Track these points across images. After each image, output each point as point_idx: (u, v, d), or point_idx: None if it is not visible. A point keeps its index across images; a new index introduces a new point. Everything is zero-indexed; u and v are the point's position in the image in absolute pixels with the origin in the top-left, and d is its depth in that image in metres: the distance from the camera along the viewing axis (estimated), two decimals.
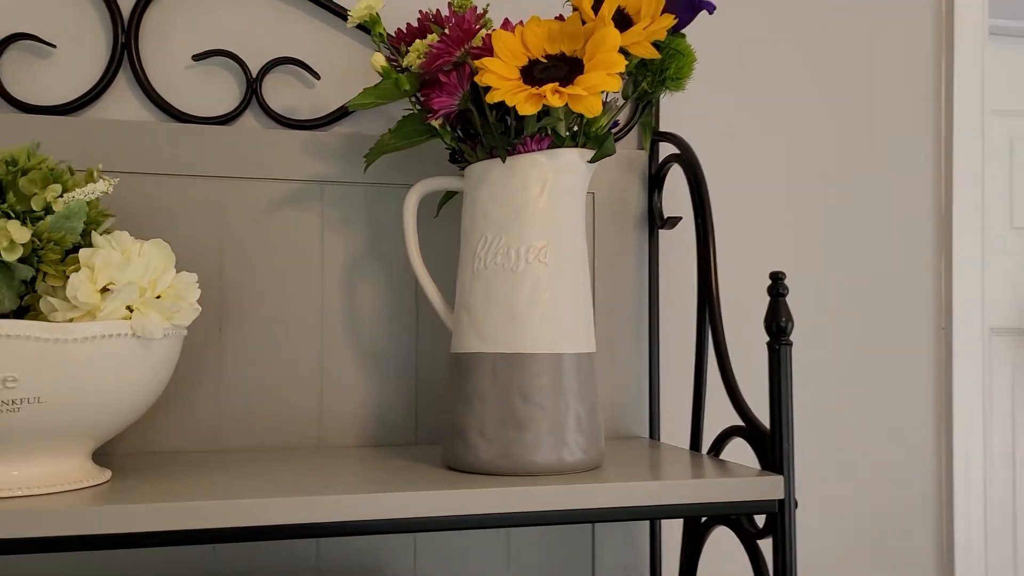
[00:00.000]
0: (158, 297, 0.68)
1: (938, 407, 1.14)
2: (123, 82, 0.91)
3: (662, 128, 1.01)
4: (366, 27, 0.85)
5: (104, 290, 0.65)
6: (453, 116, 0.80)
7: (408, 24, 0.85)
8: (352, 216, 0.94)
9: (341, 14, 0.95)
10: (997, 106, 1.23)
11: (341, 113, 0.95)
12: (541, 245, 0.76)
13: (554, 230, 0.77)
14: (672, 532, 1.01)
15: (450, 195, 0.88)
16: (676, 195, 1.03)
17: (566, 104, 0.72)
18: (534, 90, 0.71)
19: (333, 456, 0.86)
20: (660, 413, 1.02)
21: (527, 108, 0.71)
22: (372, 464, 0.81)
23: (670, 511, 0.72)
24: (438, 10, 0.85)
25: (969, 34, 1.14)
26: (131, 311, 0.66)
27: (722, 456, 0.86)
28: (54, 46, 0.89)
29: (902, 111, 1.15)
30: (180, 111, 0.91)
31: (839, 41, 1.13)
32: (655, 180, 1.02)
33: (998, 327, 1.25)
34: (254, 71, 0.93)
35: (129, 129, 0.88)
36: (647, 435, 1.01)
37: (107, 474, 0.72)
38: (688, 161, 0.92)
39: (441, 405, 0.95)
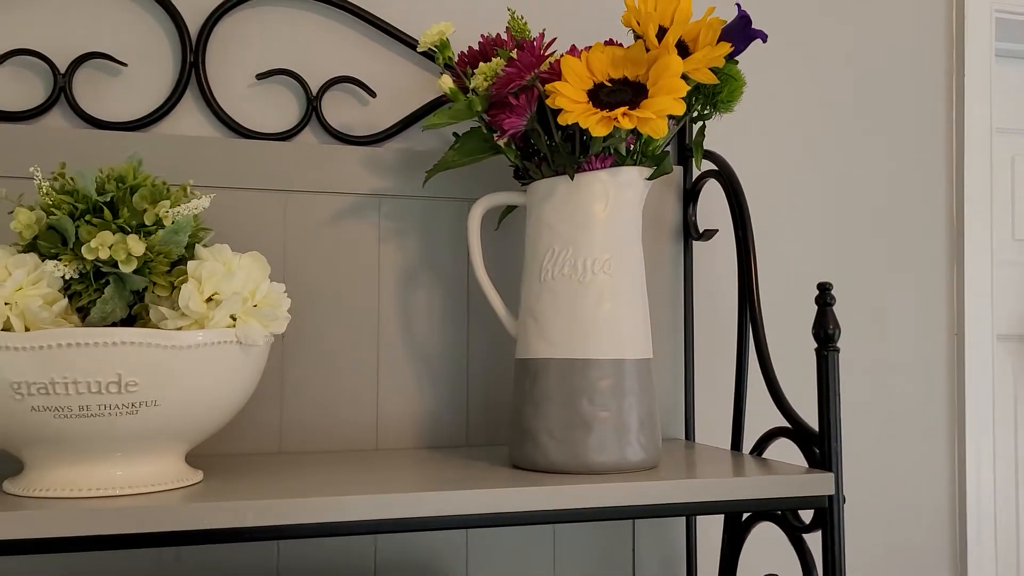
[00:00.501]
0: (255, 306, 0.72)
1: (951, 409, 1.21)
2: (190, 99, 0.95)
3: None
4: (429, 53, 0.90)
5: (208, 300, 0.69)
6: (518, 136, 0.84)
7: (470, 47, 0.90)
8: (407, 228, 0.98)
9: (395, 35, 0.99)
10: (1000, 124, 1.30)
11: (396, 129, 1.00)
12: (606, 257, 0.81)
13: (616, 243, 0.82)
14: (706, 526, 1.07)
15: (509, 209, 0.93)
16: (707, 208, 1.08)
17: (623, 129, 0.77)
18: (606, 113, 0.76)
19: (396, 457, 0.90)
20: (695, 415, 1.07)
21: (599, 130, 0.76)
22: (441, 464, 0.85)
23: (733, 506, 0.77)
24: (498, 34, 0.90)
25: (978, 57, 1.21)
26: (234, 320, 0.70)
27: (763, 456, 0.91)
28: (125, 64, 0.93)
29: (917, 130, 1.21)
30: (244, 127, 0.95)
31: (860, 65, 1.19)
32: (690, 194, 1.07)
33: (1002, 334, 1.31)
34: (314, 89, 0.98)
35: (196, 144, 0.92)
36: (683, 437, 1.06)
37: (199, 474, 0.76)
38: (727, 177, 0.98)
39: (491, 408, 1.00)
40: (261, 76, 0.96)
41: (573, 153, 0.82)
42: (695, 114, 0.86)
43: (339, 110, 0.99)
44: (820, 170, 1.17)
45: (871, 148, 1.20)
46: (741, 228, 0.95)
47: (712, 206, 1.09)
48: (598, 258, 0.81)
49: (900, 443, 1.18)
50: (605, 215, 0.82)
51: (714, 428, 1.08)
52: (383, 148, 0.99)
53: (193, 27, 0.94)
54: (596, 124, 0.76)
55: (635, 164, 0.83)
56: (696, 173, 1.06)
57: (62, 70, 0.90)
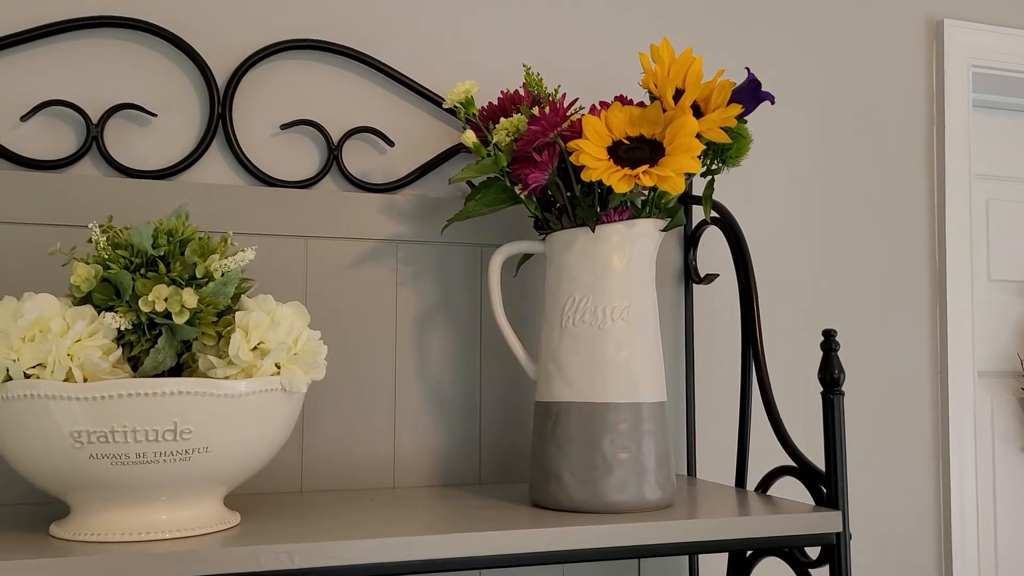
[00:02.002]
0: (296, 354, 0.75)
1: (935, 442, 1.26)
2: (216, 148, 0.98)
3: (695, 194, 1.12)
4: (451, 109, 0.94)
5: (254, 348, 0.72)
6: (538, 189, 0.89)
7: (490, 103, 0.94)
8: (423, 272, 1.02)
9: (413, 87, 1.03)
10: (977, 170, 1.36)
11: (413, 177, 1.03)
12: (624, 305, 0.85)
13: (633, 291, 0.86)
14: (709, 559, 1.11)
15: (526, 257, 0.97)
16: (706, 253, 1.13)
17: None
18: (627, 171, 0.81)
19: (417, 496, 0.93)
20: (696, 453, 1.12)
21: (622, 187, 0.80)
22: (463, 503, 0.88)
23: (747, 543, 0.81)
24: (515, 90, 0.94)
25: (957, 108, 1.28)
26: (278, 367, 0.73)
27: (768, 493, 0.96)
28: (155, 115, 0.96)
29: (901, 179, 1.28)
30: (267, 175, 0.99)
31: (845, 118, 1.25)
32: (690, 240, 1.12)
33: (982, 370, 1.38)
34: (335, 138, 1.01)
35: (222, 192, 0.95)
36: (686, 473, 1.10)
37: (237, 516, 0.78)
38: (728, 224, 1.03)
39: (504, 447, 1.03)
40: (285, 126, 1.00)
41: (593, 206, 0.86)
42: (704, 169, 0.91)
43: (358, 158, 1.03)
44: (807, 216, 1.23)
45: (857, 197, 1.26)
46: (744, 273, 1.00)
47: (710, 251, 1.14)
48: (616, 306, 0.85)
49: (887, 475, 1.24)
50: (622, 265, 0.86)
51: (715, 465, 1.12)
52: (400, 195, 1.02)
53: (221, 79, 0.97)
54: (619, 181, 0.80)
55: (650, 216, 0.88)
56: (695, 221, 1.11)
57: (95, 120, 0.93)
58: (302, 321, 0.76)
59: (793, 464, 0.91)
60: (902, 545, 1.24)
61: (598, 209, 0.86)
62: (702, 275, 1.11)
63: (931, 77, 1.30)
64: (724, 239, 1.04)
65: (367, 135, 1.03)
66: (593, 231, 0.85)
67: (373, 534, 0.73)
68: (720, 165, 0.91)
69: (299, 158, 1.01)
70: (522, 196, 0.88)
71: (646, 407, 0.85)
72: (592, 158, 0.82)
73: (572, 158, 0.83)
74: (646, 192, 0.88)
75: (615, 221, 0.86)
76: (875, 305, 1.25)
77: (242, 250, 0.74)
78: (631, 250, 0.86)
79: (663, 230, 0.88)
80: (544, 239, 0.90)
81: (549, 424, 0.86)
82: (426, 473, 1.01)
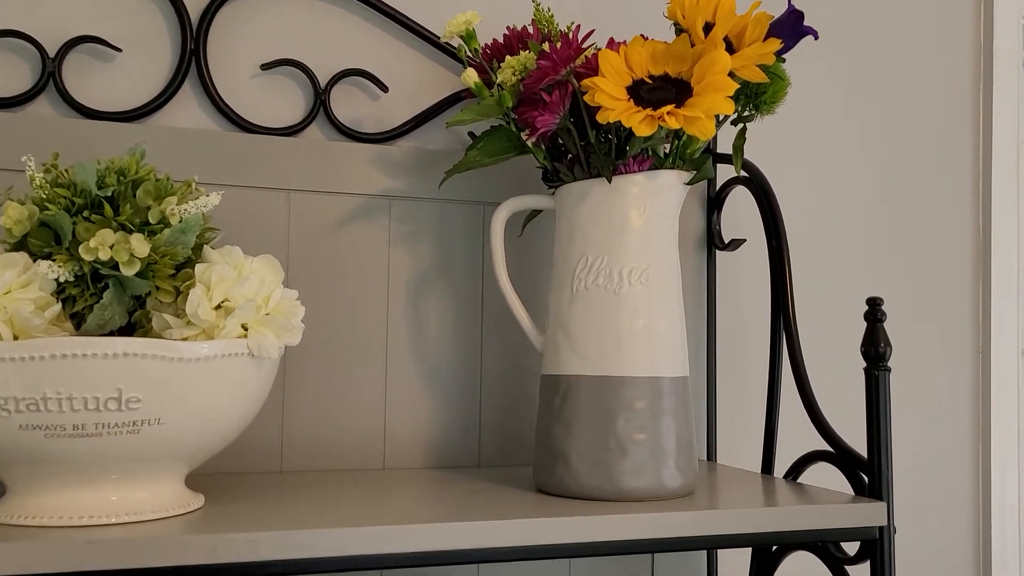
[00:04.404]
0: (268, 314, 0.65)
1: (976, 425, 1.16)
2: (188, 89, 0.88)
3: (719, 151, 1.01)
4: (447, 46, 0.84)
5: (217, 307, 0.63)
6: (548, 135, 0.79)
7: (494, 40, 0.84)
8: (419, 232, 0.92)
9: (410, 26, 0.93)
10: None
11: (409, 126, 0.93)
12: (643, 267, 0.75)
13: (653, 251, 0.76)
14: (729, 552, 1.01)
15: (534, 214, 0.87)
16: (731, 217, 1.03)
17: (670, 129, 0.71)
18: (650, 112, 0.70)
19: (408, 479, 0.84)
20: (718, 435, 1.02)
21: (643, 129, 0.70)
22: (460, 488, 0.79)
23: (780, 537, 0.72)
24: (524, 27, 0.84)
25: (1006, 65, 1.17)
26: (245, 329, 0.63)
27: (798, 481, 0.86)
28: (119, 50, 0.86)
29: (943, 142, 1.17)
30: (246, 120, 0.89)
31: (886, 74, 1.15)
32: (714, 202, 1.02)
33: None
34: (322, 82, 0.91)
35: (194, 138, 0.86)
36: (705, 458, 1.01)
37: (201, 499, 0.69)
38: (759, 184, 0.93)
39: (506, 426, 0.94)
40: (266, 67, 0.90)
41: (609, 154, 0.76)
42: (734, 116, 0.81)
43: (348, 105, 0.93)
44: (843, 180, 1.13)
45: (894, 158, 1.15)
46: (775, 236, 0.90)
47: (735, 215, 1.04)
48: (634, 267, 0.75)
49: (922, 460, 1.14)
50: (642, 221, 0.76)
51: (738, 449, 1.03)
52: (395, 146, 0.92)
53: (194, 11, 0.87)
54: (640, 123, 0.70)
55: (673, 167, 0.78)
56: (719, 181, 1.01)
57: (51, 54, 0.83)
58: (275, 277, 0.66)
59: (829, 449, 0.81)
60: (936, 535, 1.14)
61: (615, 158, 0.76)
62: (726, 240, 1.01)
63: (979, 30, 1.19)
64: (750, 201, 0.95)
65: (358, 79, 0.93)
66: (609, 182, 0.75)
67: (354, 521, 0.63)
68: (752, 112, 0.81)
69: (282, 103, 0.91)
70: (529, 143, 0.78)
71: (666, 382, 0.75)
72: (610, 97, 0.72)
73: (587, 98, 0.73)
74: (669, 142, 0.78)
75: (634, 172, 0.76)
76: (912, 276, 1.15)
77: (206, 194, 0.64)
78: (652, 205, 0.76)
79: (688, 183, 0.78)
80: (553, 193, 0.80)
81: (557, 400, 0.76)
82: (420, 453, 0.91)
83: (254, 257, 0.66)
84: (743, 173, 0.95)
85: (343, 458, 0.89)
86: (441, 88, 0.95)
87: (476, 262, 0.94)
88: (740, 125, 0.81)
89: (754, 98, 0.80)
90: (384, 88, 0.93)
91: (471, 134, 0.90)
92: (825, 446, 0.82)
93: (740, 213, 1.04)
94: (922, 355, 1.14)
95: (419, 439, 0.91)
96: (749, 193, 0.94)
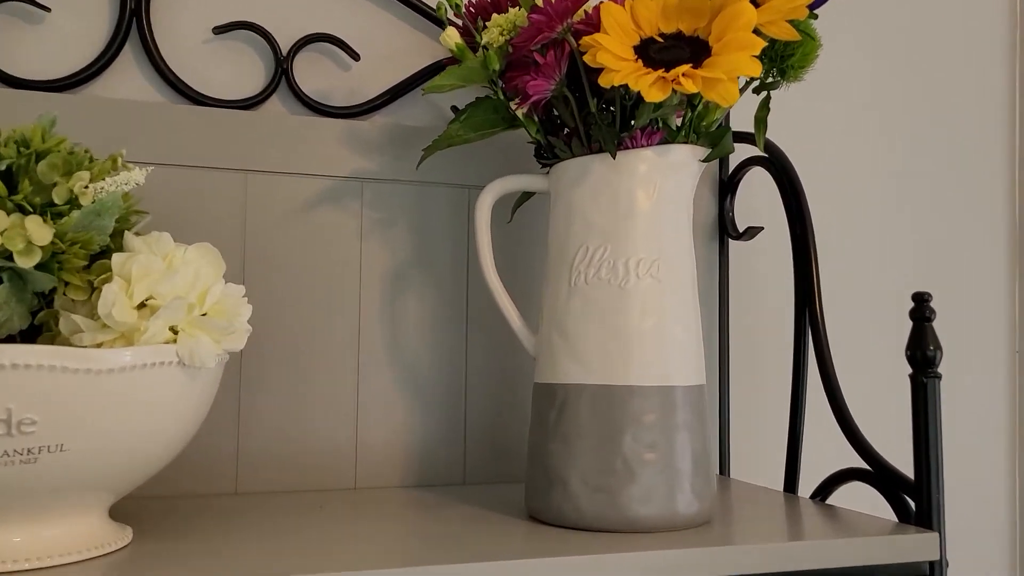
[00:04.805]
0: (205, 315, 0.54)
1: (1011, 435, 1.06)
2: (129, 55, 0.77)
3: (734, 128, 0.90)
4: (426, 8, 0.73)
5: (141, 306, 0.52)
6: (541, 105, 0.68)
7: None
8: (395, 219, 0.81)
9: None
10: None
11: (383, 100, 0.82)
12: (652, 258, 0.64)
13: (664, 239, 0.65)
14: None
15: (526, 196, 0.76)
16: (743, 202, 0.92)
17: (685, 93, 0.60)
18: (662, 73, 0.59)
19: (382, 502, 0.73)
20: (730, 447, 0.91)
21: (654, 94, 0.59)
22: (439, 514, 0.68)
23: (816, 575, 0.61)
24: None
25: None
26: (175, 333, 0.52)
27: (826, 502, 0.75)
28: (47, 9, 0.75)
29: (979, 129, 1.07)
30: (195, 91, 0.77)
31: (919, 52, 1.04)
32: (727, 186, 0.91)
33: None
34: (284, 48, 0.80)
35: (136, 110, 0.74)
36: (717, 472, 0.90)
37: (127, 534, 0.58)
38: (780, 164, 0.82)
39: (494, 438, 0.83)
40: (219, 30, 0.78)
41: (613, 126, 0.65)
42: (756, 83, 0.70)
43: (314, 75, 0.82)
44: (867, 165, 1.02)
45: (927, 143, 1.04)
46: (799, 223, 0.79)
47: (749, 200, 0.93)
48: (643, 258, 0.64)
49: (957, 473, 1.03)
50: (651, 204, 0.65)
51: (754, 463, 0.92)
52: (367, 122, 0.81)
53: None
54: (650, 87, 0.59)
55: (686, 142, 0.67)
56: (731, 162, 0.90)
57: None
58: (213, 269, 0.55)
59: (865, 467, 0.71)
60: (969, 559, 1.04)
61: (619, 131, 0.65)
62: (741, 229, 0.90)
63: (1014, 13, 1.08)
64: (767, 185, 0.84)
65: (325, 45, 0.82)
66: (614, 158, 0.64)
67: (316, 567, 0.52)
68: (777, 78, 0.70)
69: (238, 71, 0.80)
70: (520, 113, 0.67)
71: (680, 392, 0.64)
72: (614, 57, 0.61)
73: (587, 58, 0.62)
74: (682, 112, 0.67)
75: (643, 146, 0.65)
76: (942, 270, 1.04)
77: (127, 168, 0.53)
78: (663, 185, 0.65)
79: (705, 160, 0.67)
80: (548, 172, 0.70)
81: (553, 413, 0.65)
82: (396, 470, 0.80)
83: (188, 246, 0.55)
84: (759, 152, 0.84)
85: (308, 477, 0.78)
86: (420, 57, 0.84)
87: (460, 252, 0.83)
88: (763, 94, 0.70)
89: (779, 62, 0.69)
90: (355, 56, 0.82)
91: (454, 108, 0.79)
92: (858, 462, 0.72)
93: (756, 198, 0.93)
94: (953, 357, 1.04)
95: (395, 454, 0.80)
96: (764, 177, 0.84)
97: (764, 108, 0.70)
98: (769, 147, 0.83)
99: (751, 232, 0.88)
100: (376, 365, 0.80)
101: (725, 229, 0.91)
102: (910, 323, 0.67)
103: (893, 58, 1.04)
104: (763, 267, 0.95)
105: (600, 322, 0.64)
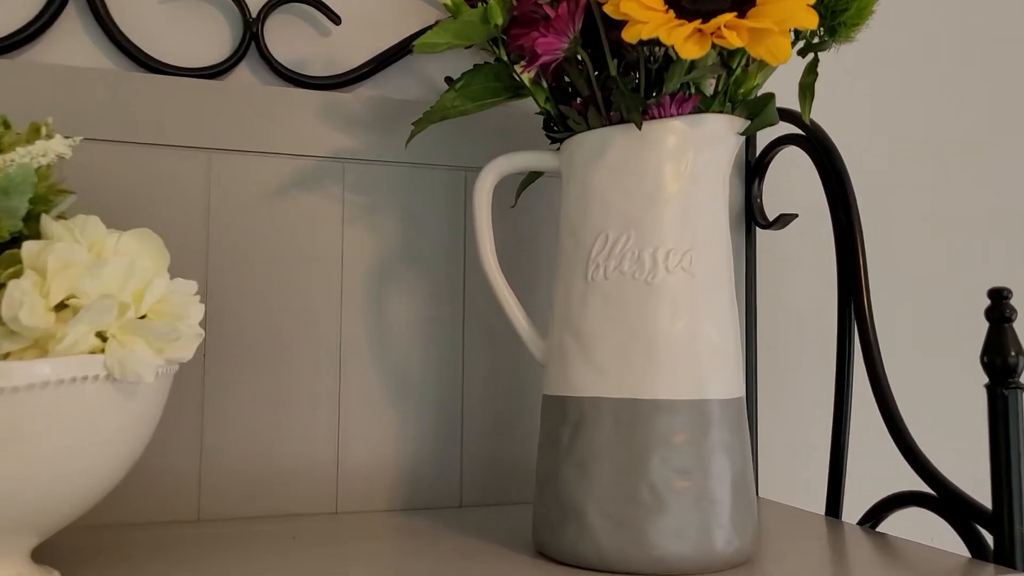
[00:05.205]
0: (143, 317, 0.44)
1: None
2: (74, 15, 0.67)
3: None
4: None
5: (61, 306, 0.42)
6: (551, 68, 0.58)
7: None
8: (382, 204, 0.71)
9: None
10: None
11: (368, 69, 0.72)
12: (685, 248, 0.54)
13: (698, 226, 0.55)
14: None
15: (533, 177, 0.66)
16: (772, 187, 0.83)
17: (723, 51, 0.51)
18: (698, 25, 0.49)
19: (366, 531, 0.63)
20: (759, 461, 0.81)
21: (690, 50, 0.49)
22: (430, 547, 0.58)
23: None
24: None
25: None
26: (104, 340, 0.42)
27: (877, 530, 0.66)
28: None
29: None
30: (152, 58, 0.67)
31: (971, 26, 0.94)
32: (755, 169, 0.81)
33: None
34: (254, 9, 0.70)
35: (81, 78, 0.64)
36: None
37: None
38: (819, 143, 0.72)
39: (495, 456, 0.73)
40: None
41: (637, 91, 0.55)
42: (802, 44, 0.60)
43: (289, 40, 0.72)
44: (919, 143, 0.92)
45: (988, 118, 0.95)
46: (844, 209, 0.70)
47: (779, 184, 0.83)
48: (673, 248, 0.54)
49: None
50: (682, 185, 0.55)
51: (785, 481, 0.82)
52: (349, 94, 0.71)
53: None
54: (685, 41, 0.49)
55: (721, 111, 0.57)
56: (759, 143, 0.80)
57: None
58: (154, 261, 0.45)
59: (927, 491, 0.61)
60: None
61: (645, 97, 0.55)
62: (770, 217, 0.80)
63: None
64: (798, 167, 0.74)
65: (301, 7, 0.72)
66: (639, 128, 0.54)
67: None
68: (826, 38, 0.60)
69: (200, 35, 0.70)
70: (526, 78, 0.57)
71: (717, 407, 0.54)
72: (640, 5, 0.50)
73: (608, 8, 0.51)
74: (716, 76, 0.57)
75: (672, 115, 0.55)
76: (1007, 264, 0.95)
77: (44, 139, 0.43)
78: (696, 161, 0.55)
79: (743, 133, 0.57)
80: (559, 148, 0.59)
81: (566, 431, 0.55)
82: (383, 492, 0.70)
83: (122, 232, 0.45)
84: (791, 129, 0.74)
85: (283, 501, 0.68)
86: (409, 21, 0.74)
87: (456, 243, 0.73)
88: (809, 56, 0.60)
89: (829, 18, 0.59)
90: (336, 19, 0.72)
91: (448, 80, 0.69)
92: (911, 483, 0.62)
93: (784, 181, 0.83)
94: None
95: (382, 474, 0.70)
96: (794, 158, 0.74)
97: (811, 72, 0.60)
98: (805, 124, 0.73)
99: (784, 220, 0.79)
100: (360, 372, 0.70)
101: (753, 216, 0.81)
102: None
103: (949, 21, 0.94)
104: (795, 258, 0.86)
105: (622, 324, 0.54)
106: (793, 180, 0.83)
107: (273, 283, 0.68)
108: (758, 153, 0.81)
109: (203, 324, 0.65)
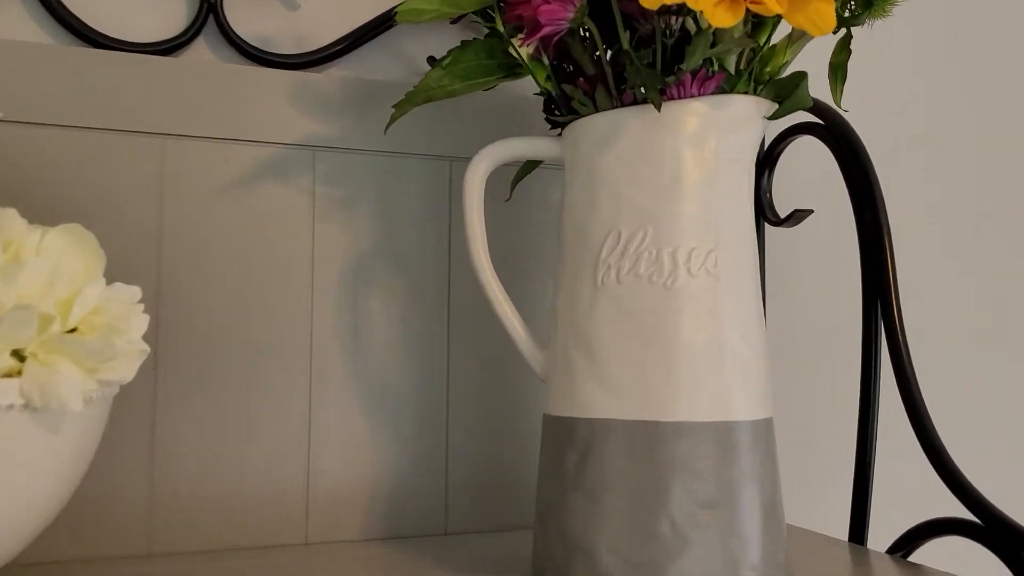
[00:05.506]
0: (74, 331, 0.36)
1: None
2: None
3: None
4: None
5: None
6: (553, 42, 0.51)
7: None
8: (357, 198, 0.64)
9: None
10: None
11: (342, 47, 0.65)
12: (708, 247, 0.48)
13: (723, 222, 0.48)
14: None
15: (530, 167, 0.59)
16: (784, 181, 0.76)
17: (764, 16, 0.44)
18: None
19: (337, 564, 0.56)
20: None
21: (722, 17, 0.42)
22: None
23: None
24: None
25: None
26: (22, 360, 0.34)
27: (909, 560, 0.60)
28: None
29: None
30: (97, 32, 0.60)
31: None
32: (765, 161, 0.75)
33: None
34: None
35: (15, 54, 0.56)
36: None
37: None
38: (839, 133, 0.66)
39: (485, 478, 0.66)
40: None
41: (653, 66, 0.48)
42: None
43: (252, 13, 0.64)
44: (945, 131, 0.86)
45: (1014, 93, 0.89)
46: (870, 206, 0.63)
47: (791, 177, 0.77)
48: (695, 248, 0.47)
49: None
50: (705, 174, 0.48)
51: (802, 502, 0.76)
52: (321, 75, 0.64)
53: None
54: (715, 7, 0.42)
55: (747, 93, 0.50)
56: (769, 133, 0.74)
57: None
58: (84, 264, 0.37)
59: (969, 518, 0.55)
60: None
61: (664, 74, 0.48)
62: (782, 214, 0.74)
63: None
64: (813, 160, 0.68)
65: None
66: (659, 109, 0.47)
67: None
68: (860, 12, 0.53)
69: (152, 6, 0.62)
70: (524, 53, 0.50)
71: (745, 429, 0.47)
72: None
73: None
74: (740, 50, 0.51)
75: (693, 96, 0.48)
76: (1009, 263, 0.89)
77: None
78: (719, 148, 0.48)
79: (772, 117, 0.51)
80: (561, 133, 0.52)
81: (572, 457, 0.48)
82: (359, 520, 0.63)
83: (47, 228, 0.37)
84: (808, 118, 0.68)
85: (246, 532, 0.60)
86: None
87: (440, 241, 0.65)
88: (842, 31, 0.53)
89: None
90: None
91: (431, 60, 0.62)
92: (949, 508, 0.56)
93: (797, 174, 0.77)
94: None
95: (358, 499, 0.63)
96: (806, 149, 0.68)
97: (844, 50, 0.53)
98: (824, 110, 0.67)
99: (798, 216, 0.72)
100: (333, 386, 0.62)
101: (763, 212, 0.75)
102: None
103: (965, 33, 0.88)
104: (809, 259, 0.79)
105: (638, 335, 0.47)
106: (803, 174, 0.77)
107: (235, 287, 0.60)
108: (768, 143, 0.74)
109: (154, 335, 0.58)
